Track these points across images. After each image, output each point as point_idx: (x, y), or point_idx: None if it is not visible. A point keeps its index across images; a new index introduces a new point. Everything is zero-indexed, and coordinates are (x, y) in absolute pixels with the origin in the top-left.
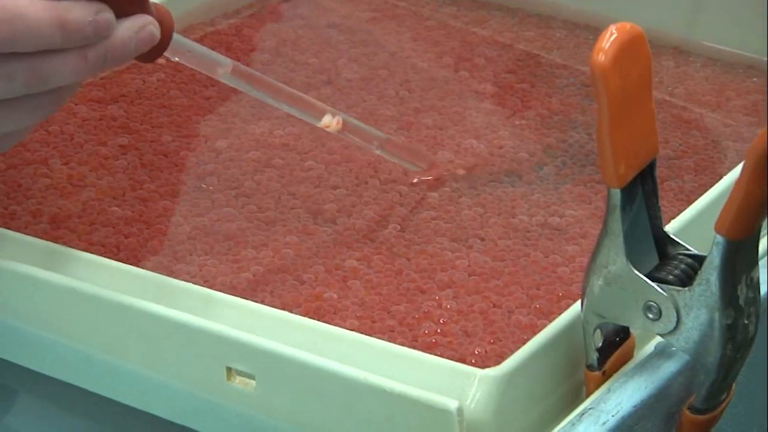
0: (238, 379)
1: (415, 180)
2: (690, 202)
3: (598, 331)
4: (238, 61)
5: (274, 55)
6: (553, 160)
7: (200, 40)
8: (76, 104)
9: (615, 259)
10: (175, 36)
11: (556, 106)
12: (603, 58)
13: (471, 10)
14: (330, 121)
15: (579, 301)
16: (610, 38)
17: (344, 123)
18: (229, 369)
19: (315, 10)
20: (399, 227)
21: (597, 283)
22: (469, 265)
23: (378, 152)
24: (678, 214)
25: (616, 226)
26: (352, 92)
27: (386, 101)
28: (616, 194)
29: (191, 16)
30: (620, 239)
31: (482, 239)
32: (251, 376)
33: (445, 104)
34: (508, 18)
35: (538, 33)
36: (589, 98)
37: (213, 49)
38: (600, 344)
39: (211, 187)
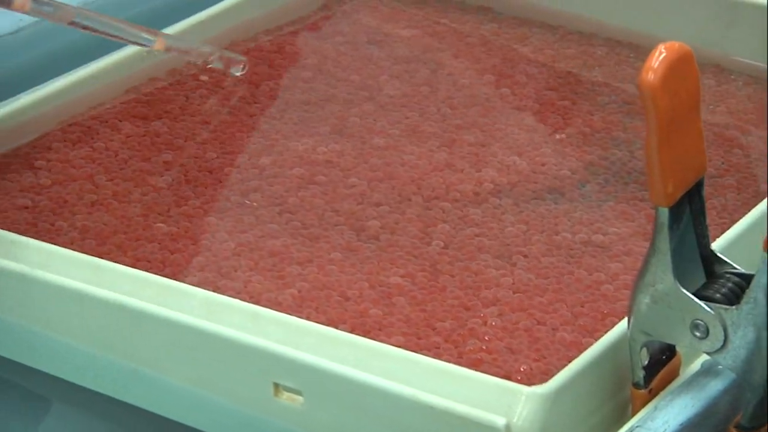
0: (286, 395)
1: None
2: (733, 221)
3: (645, 349)
4: (281, 77)
5: (315, 71)
6: (596, 177)
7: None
8: (120, 120)
9: (662, 277)
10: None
11: (598, 124)
12: (652, 77)
13: (512, 28)
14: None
15: (624, 319)
16: (659, 57)
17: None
18: (276, 385)
19: (355, 26)
20: (442, 244)
21: (644, 301)
22: (513, 283)
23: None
24: (721, 233)
25: (664, 244)
26: (394, 109)
27: (428, 118)
28: (664, 213)
29: (233, 33)
30: (668, 258)
31: (526, 256)
32: (299, 392)
33: (487, 121)
34: (549, 35)
35: (579, 50)
36: (631, 116)
37: (255, 66)
38: (646, 362)
39: (255, 204)
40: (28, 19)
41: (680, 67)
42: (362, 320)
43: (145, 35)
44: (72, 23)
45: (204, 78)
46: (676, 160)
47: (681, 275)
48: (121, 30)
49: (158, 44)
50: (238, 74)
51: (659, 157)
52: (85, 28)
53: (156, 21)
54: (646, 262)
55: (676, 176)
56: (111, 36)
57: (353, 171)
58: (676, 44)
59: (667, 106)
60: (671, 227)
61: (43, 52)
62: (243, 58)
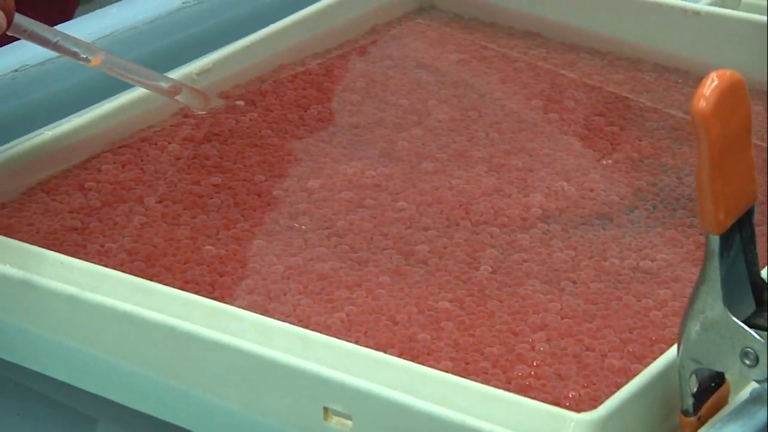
0: (335, 419)
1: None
2: None
3: (694, 376)
4: (329, 101)
5: (364, 95)
6: (644, 203)
7: (290, 80)
8: (169, 143)
9: (712, 305)
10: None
11: (646, 150)
12: (704, 105)
13: (560, 53)
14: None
15: (673, 346)
16: (711, 85)
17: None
18: (326, 409)
19: (403, 51)
20: (491, 269)
21: (694, 328)
22: (561, 308)
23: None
24: None
25: (714, 272)
26: (443, 133)
27: (477, 142)
28: (715, 241)
29: (282, 56)
30: (718, 285)
31: (574, 282)
32: (348, 417)
33: (535, 146)
34: (597, 60)
35: (627, 76)
36: (679, 142)
37: (304, 89)
38: (695, 389)
39: (303, 227)
40: None
41: (732, 95)
42: (411, 345)
43: (84, 50)
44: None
45: (240, 103)
46: (727, 188)
47: (731, 303)
48: (59, 37)
49: (95, 61)
50: (200, 112)
51: (711, 185)
52: (23, 32)
53: (206, 45)
54: (697, 290)
55: (728, 204)
56: (47, 44)
57: (402, 195)
58: (727, 72)
59: (719, 133)
60: (721, 255)
61: (93, 75)
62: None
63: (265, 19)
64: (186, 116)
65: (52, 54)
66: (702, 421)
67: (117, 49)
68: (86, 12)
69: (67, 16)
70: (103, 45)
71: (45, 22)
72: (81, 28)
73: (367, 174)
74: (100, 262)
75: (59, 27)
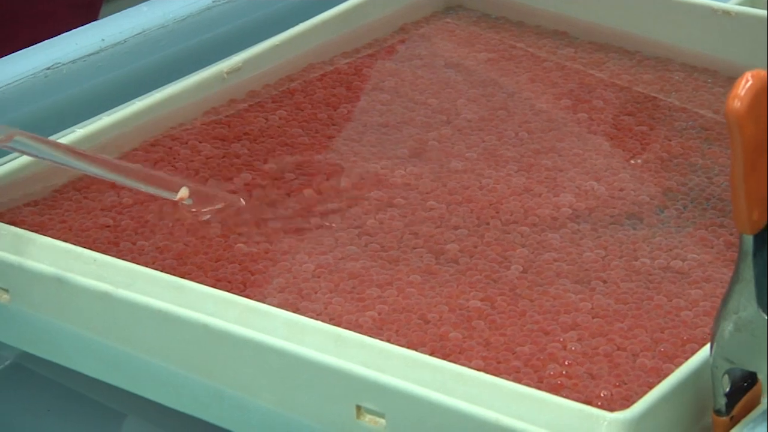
0: (368, 417)
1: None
2: None
3: (726, 376)
4: (358, 100)
5: (393, 95)
6: (674, 203)
7: (320, 79)
8: (200, 142)
9: (746, 305)
10: None
11: (676, 149)
12: (739, 105)
13: (588, 53)
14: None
15: (705, 346)
16: (745, 85)
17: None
18: (359, 407)
19: (432, 50)
20: (521, 268)
21: (727, 328)
22: (592, 308)
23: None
24: None
25: (748, 272)
26: (472, 133)
27: (506, 142)
28: (749, 240)
29: (311, 56)
30: (752, 285)
31: (605, 281)
32: (381, 415)
33: (565, 146)
34: (625, 60)
35: (656, 75)
36: (709, 141)
37: (334, 88)
38: (728, 389)
39: (334, 225)
40: (109, 40)
41: (766, 95)
42: (442, 343)
43: None
44: None
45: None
46: (761, 188)
47: (764, 303)
48: None
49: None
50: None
51: (744, 185)
52: None
53: (235, 43)
54: (730, 290)
55: (761, 203)
56: None
57: (431, 194)
58: (762, 72)
59: (753, 133)
60: (755, 255)
61: (124, 73)
62: None
63: (295, 18)
64: (217, 114)
65: (85, 52)
66: (735, 421)
67: (147, 47)
68: (114, 10)
69: (92, 14)
70: (134, 43)
71: (69, 21)
72: (111, 26)
73: (396, 173)
74: (132, 260)
75: (82, 27)
